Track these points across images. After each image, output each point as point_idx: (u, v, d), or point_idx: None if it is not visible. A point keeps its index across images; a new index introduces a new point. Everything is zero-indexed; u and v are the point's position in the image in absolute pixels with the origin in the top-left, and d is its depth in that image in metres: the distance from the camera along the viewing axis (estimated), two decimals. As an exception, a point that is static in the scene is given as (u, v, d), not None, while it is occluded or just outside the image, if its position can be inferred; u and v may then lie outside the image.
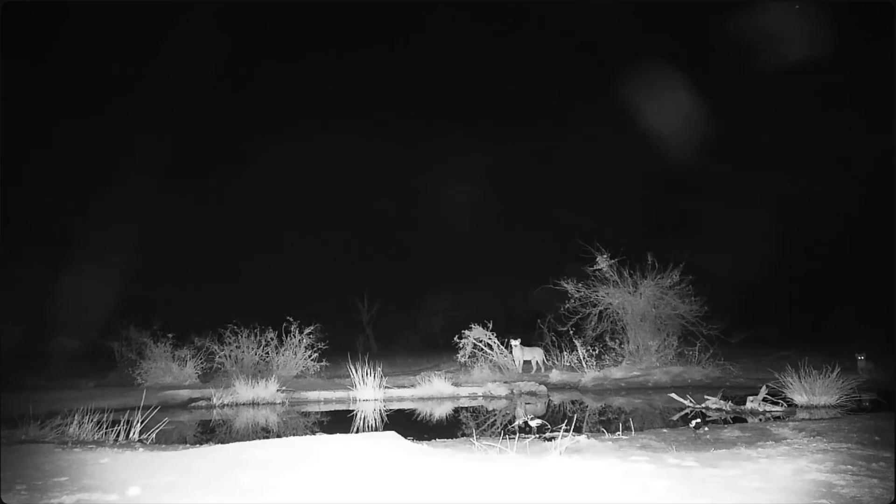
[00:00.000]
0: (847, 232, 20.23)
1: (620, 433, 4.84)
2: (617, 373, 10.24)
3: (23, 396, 7.25)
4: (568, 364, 11.30)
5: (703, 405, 6.78)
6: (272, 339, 11.17)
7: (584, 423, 6.17)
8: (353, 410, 7.64)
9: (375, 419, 6.96)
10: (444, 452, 3.75)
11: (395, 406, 8.08)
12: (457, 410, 7.64)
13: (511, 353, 11.39)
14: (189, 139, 22.79)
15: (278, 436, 5.24)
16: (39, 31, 18.00)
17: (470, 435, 4.86)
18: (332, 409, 7.89)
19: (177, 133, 21.39)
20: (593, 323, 11.38)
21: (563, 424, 4.53)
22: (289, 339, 11.18)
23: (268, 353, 11.13)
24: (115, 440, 4.79)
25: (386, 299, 24.06)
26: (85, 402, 5.81)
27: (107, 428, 4.95)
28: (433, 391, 8.70)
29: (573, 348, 11.33)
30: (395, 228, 29.14)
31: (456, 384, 9.15)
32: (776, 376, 6.82)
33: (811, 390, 6.68)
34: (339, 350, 12.12)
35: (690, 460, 3.55)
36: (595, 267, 11.47)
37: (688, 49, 21.32)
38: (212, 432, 6.27)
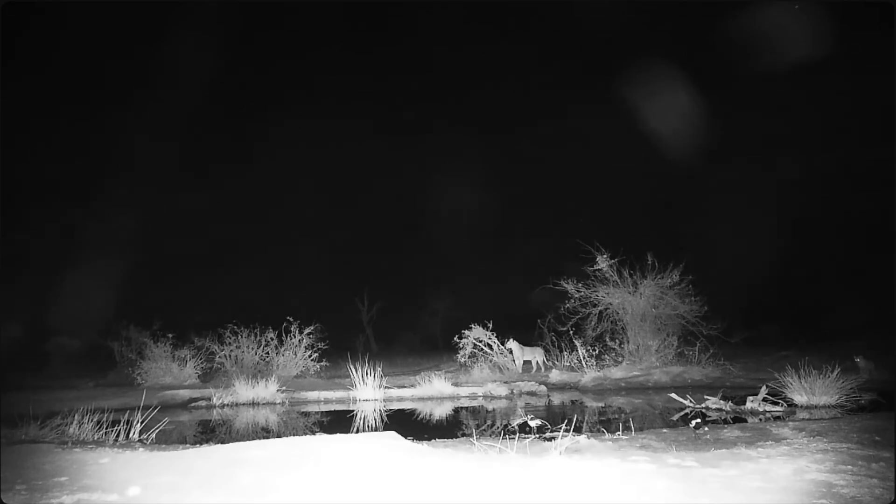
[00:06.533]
0: (847, 232, 20.25)
1: (620, 433, 4.84)
2: (617, 373, 10.23)
3: (23, 396, 7.25)
4: (568, 364, 11.31)
5: (703, 405, 6.77)
6: (272, 339, 11.17)
7: (584, 423, 6.16)
8: (353, 410, 7.63)
9: (375, 419, 6.96)
10: (444, 452, 3.75)
11: (395, 406, 8.06)
12: (457, 410, 7.63)
13: (511, 353, 11.40)
14: (190, 140, 22.87)
15: (278, 436, 5.23)
16: (40, 30, 17.99)
17: (470, 435, 4.85)
18: (332, 409, 7.88)
19: (178, 133, 21.45)
20: (593, 323, 11.37)
21: (563, 424, 4.52)
22: (289, 339, 11.19)
23: (268, 353, 11.13)
24: (115, 440, 4.79)
25: (386, 299, 24.10)
26: (85, 402, 5.82)
27: (107, 428, 4.95)
28: (433, 391, 8.70)
29: (573, 348, 11.33)
30: (396, 228, 29.20)
31: (456, 384, 9.15)
32: (776, 376, 6.81)
33: (811, 390, 6.68)
34: (339, 350, 12.13)
35: (690, 460, 3.55)
36: (595, 267, 11.47)
37: (688, 49, 21.35)
38: (212, 432, 6.27)
